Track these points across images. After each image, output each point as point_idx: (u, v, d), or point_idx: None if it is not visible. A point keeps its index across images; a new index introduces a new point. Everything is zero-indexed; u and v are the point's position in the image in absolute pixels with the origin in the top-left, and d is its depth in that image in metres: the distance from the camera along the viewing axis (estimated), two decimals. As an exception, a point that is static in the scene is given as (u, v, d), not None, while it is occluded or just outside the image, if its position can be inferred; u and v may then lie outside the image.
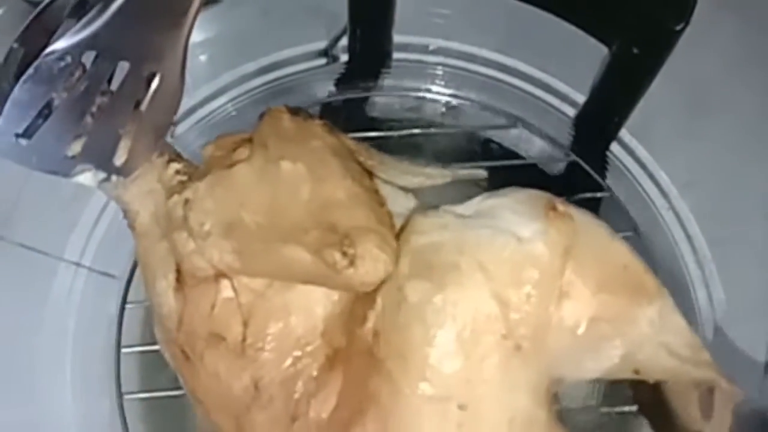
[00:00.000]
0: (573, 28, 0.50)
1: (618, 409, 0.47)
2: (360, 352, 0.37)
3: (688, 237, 0.54)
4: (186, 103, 0.59)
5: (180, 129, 0.59)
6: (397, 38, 0.59)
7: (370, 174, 0.43)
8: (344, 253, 0.36)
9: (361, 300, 0.38)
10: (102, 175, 0.39)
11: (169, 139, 0.58)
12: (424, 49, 0.61)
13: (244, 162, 0.40)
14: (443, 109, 0.62)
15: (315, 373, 0.38)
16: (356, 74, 0.61)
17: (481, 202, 0.39)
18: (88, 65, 0.39)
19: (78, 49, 0.38)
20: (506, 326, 0.36)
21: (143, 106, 0.38)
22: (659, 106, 0.55)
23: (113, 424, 0.51)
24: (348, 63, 0.61)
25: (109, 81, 0.39)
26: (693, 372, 0.38)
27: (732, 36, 0.56)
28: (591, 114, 0.57)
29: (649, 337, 0.37)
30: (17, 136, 0.38)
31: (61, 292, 0.54)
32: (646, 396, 0.41)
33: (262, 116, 0.43)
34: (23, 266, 0.54)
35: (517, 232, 0.37)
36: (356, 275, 0.37)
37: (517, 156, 0.58)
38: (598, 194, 0.55)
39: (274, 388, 0.38)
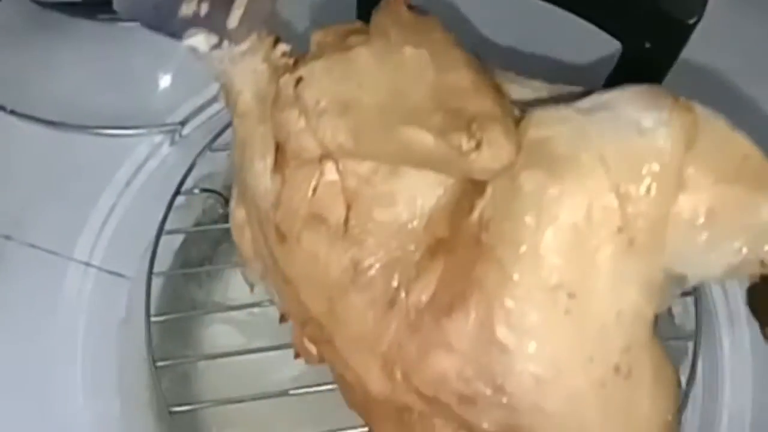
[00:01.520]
0: (584, 22, 0.49)
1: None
2: (465, 241, 0.37)
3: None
4: (194, 102, 0.59)
5: (188, 128, 0.59)
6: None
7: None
8: (470, 137, 0.35)
9: (469, 193, 0.37)
10: (214, 39, 0.39)
11: (177, 138, 0.58)
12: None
13: (364, 45, 0.40)
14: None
15: (416, 261, 0.38)
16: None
17: (599, 96, 0.38)
18: None
19: None
20: (623, 219, 0.35)
21: None
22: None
23: (124, 423, 0.51)
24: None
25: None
26: None
27: (753, 32, 0.56)
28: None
29: None
30: None
31: (71, 292, 0.52)
32: (762, 299, 0.40)
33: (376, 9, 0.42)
34: (33, 266, 0.53)
35: (639, 123, 0.36)
36: (480, 160, 0.36)
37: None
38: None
39: (374, 272, 0.38)
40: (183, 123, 0.58)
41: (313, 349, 0.44)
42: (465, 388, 0.36)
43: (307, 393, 0.46)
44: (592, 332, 0.35)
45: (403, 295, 0.37)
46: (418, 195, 0.38)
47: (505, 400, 0.36)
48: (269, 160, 0.41)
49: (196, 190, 0.55)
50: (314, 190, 0.39)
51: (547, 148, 0.36)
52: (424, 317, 0.37)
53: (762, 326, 0.41)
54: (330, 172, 0.39)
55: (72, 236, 0.54)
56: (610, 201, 0.35)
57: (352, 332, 0.39)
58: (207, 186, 0.57)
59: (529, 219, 0.35)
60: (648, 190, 0.35)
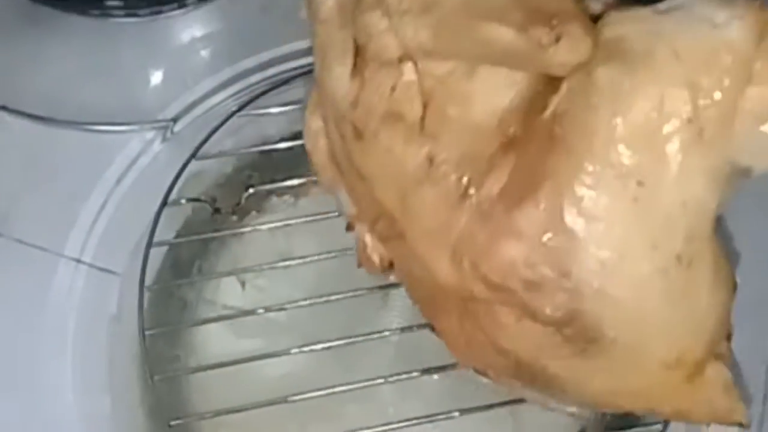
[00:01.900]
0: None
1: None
2: (537, 137, 0.38)
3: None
4: (186, 99, 0.59)
5: (179, 125, 0.59)
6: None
7: None
8: (550, 32, 0.36)
9: (542, 93, 0.38)
10: None
11: (169, 134, 0.58)
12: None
13: None
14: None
15: (488, 156, 0.39)
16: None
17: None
18: None
19: None
20: (693, 110, 0.36)
21: None
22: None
23: (114, 421, 0.51)
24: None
25: None
26: None
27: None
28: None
29: None
30: None
31: (61, 289, 0.52)
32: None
33: None
34: (22, 263, 0.53)
35: (712, 18, 0.37)
36: (559, 54, 0.37)
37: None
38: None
39: (447, 166, 0.39)
40: (175, 119, 0.58)
41: (376, 258, 0.46)
42: (532, 273, 0.37)
43: (308, 399, 0.46)
44: (658, 220, 0.36)
45: (474, 188, 0.39)
46: (491, 95, 0.39)
47: (570, 284, 0.37)
48: (348, 63, 0.42)
49: (183, 201, 0.55)
50: (392, 89, 0.40)
51: (623, 45, 0.37)
52: (494, 208, 0.38)
53: None
54: (408, 72, 0.40)
55: (62, 232, 0.54)
56: (682, 92, 0.36)
57: (424, 224, 0.40)
58: (196, 188, 0.57)
59: (602, 110, 0.36)
60: (719, 81, 0.36)
